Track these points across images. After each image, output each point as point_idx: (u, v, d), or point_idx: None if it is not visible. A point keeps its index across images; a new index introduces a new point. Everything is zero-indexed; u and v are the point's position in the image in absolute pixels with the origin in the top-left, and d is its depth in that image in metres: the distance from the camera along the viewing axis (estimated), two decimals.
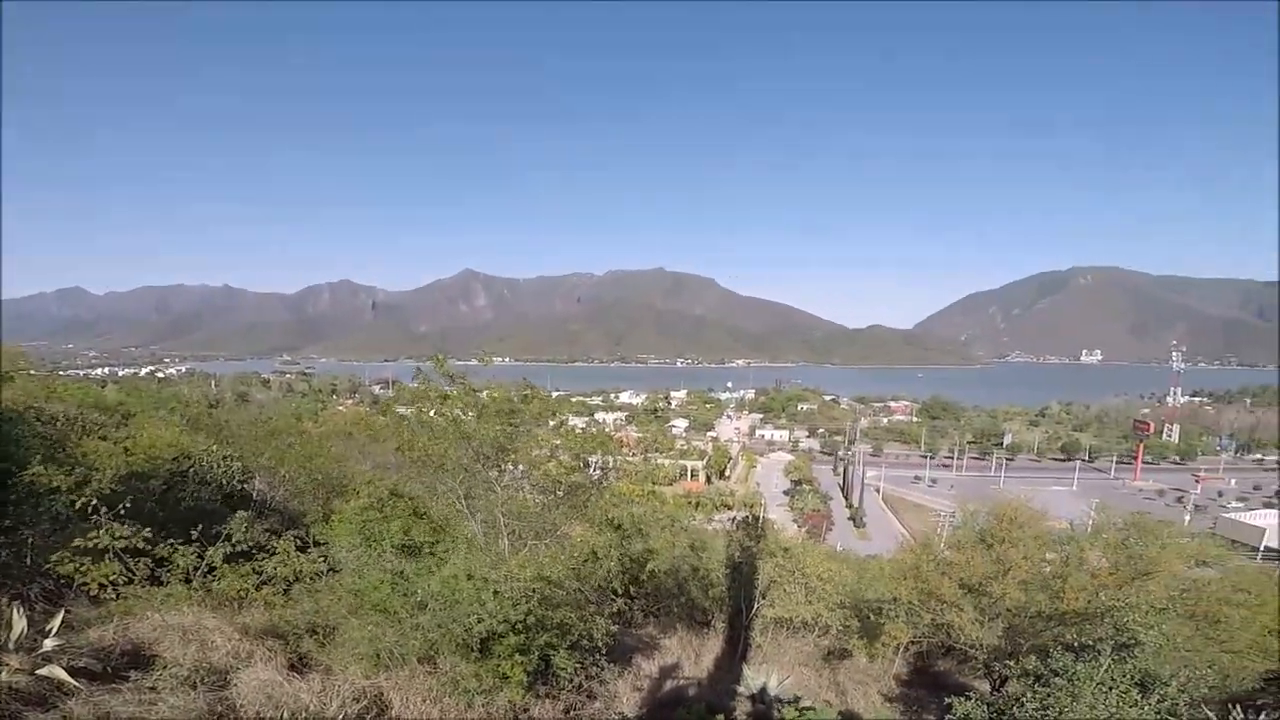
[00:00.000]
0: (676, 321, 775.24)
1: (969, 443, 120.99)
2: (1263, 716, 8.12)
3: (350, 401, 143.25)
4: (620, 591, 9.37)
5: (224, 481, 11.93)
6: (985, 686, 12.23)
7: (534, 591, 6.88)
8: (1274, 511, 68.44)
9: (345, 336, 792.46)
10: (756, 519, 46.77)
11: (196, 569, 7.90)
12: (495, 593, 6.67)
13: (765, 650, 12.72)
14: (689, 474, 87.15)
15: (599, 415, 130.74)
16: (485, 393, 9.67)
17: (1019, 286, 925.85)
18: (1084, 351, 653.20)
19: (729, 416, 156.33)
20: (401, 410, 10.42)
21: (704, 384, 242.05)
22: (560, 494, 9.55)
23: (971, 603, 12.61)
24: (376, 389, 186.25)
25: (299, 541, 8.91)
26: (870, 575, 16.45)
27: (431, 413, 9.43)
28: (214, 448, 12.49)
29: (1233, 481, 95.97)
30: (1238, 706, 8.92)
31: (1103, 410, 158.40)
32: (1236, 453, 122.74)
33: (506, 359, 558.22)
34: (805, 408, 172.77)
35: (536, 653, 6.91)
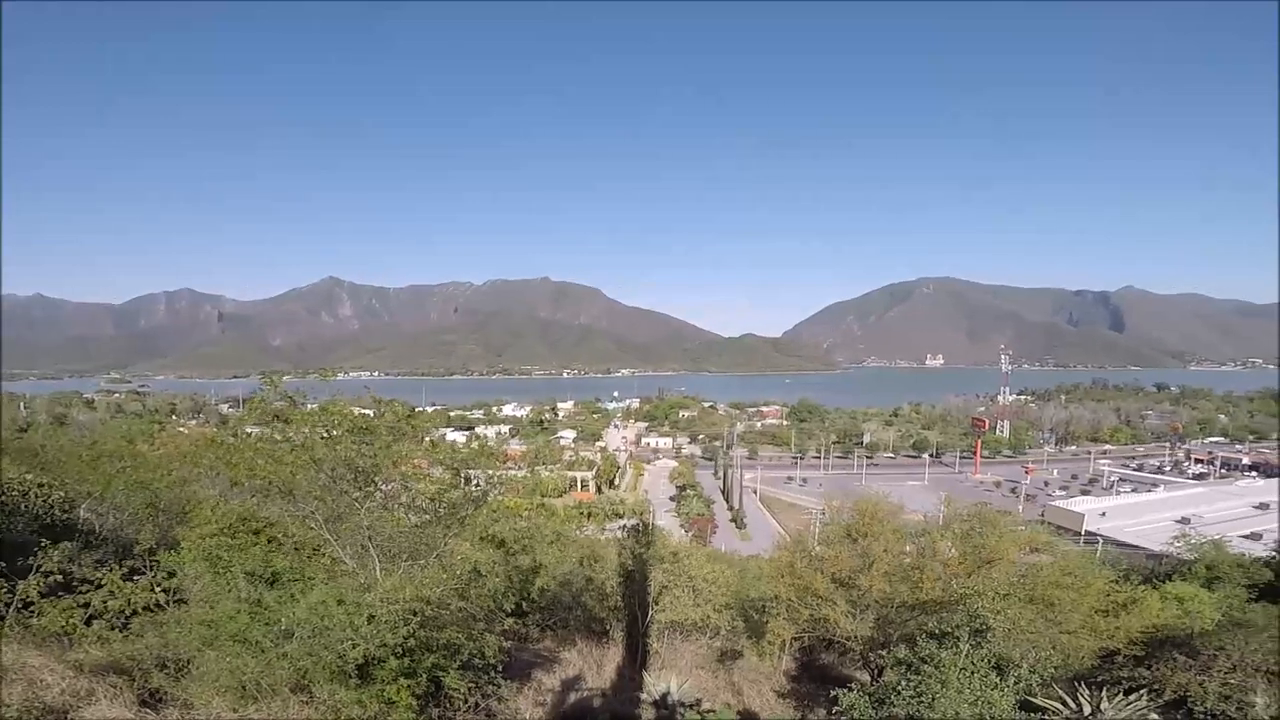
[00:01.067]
0: (562, 332, 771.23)
1: (834, 443, 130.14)
2: (1104, 693, 9.31)
3: (194, 422, 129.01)
4: (512, 608, 9.15)
5: (40, 512, 11.06)
6: (865, 677, 12.96)
7: (415, 613, 6.71)
8: (1092, 498, 79.66)
9: (187, 351, 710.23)
10: (646, 526, 47.36)
11: (9, 604, 7.40)
12: (370, 617, 6.44)
13: (663, 656, 12.82)
14: (579, 484, 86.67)
15: (480, 429, 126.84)
16: (334, 411, 8.96)
17: (873, 297, 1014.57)
18: (928, 355, 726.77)
19: (616, 426, 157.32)
20: (253, 429, 9.43)
21: (591, 394, 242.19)
22: (439, 512, 9.21)
23: (843, 596, 13.39)
24: (224, 408, 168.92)
25: (131, 571, 8.46)
26: (752, 575, 17.16)
27: (277, 436, 8.71)
28: (27, 476, 11.57)
29: (1055, 471, 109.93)
30: (1082, 684, 10.15)
31: (946, 410, 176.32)
32: (1056, 445, 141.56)
33: (375, 373, 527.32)
34: (687, 415, 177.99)
35: (424, 675, 6.72)
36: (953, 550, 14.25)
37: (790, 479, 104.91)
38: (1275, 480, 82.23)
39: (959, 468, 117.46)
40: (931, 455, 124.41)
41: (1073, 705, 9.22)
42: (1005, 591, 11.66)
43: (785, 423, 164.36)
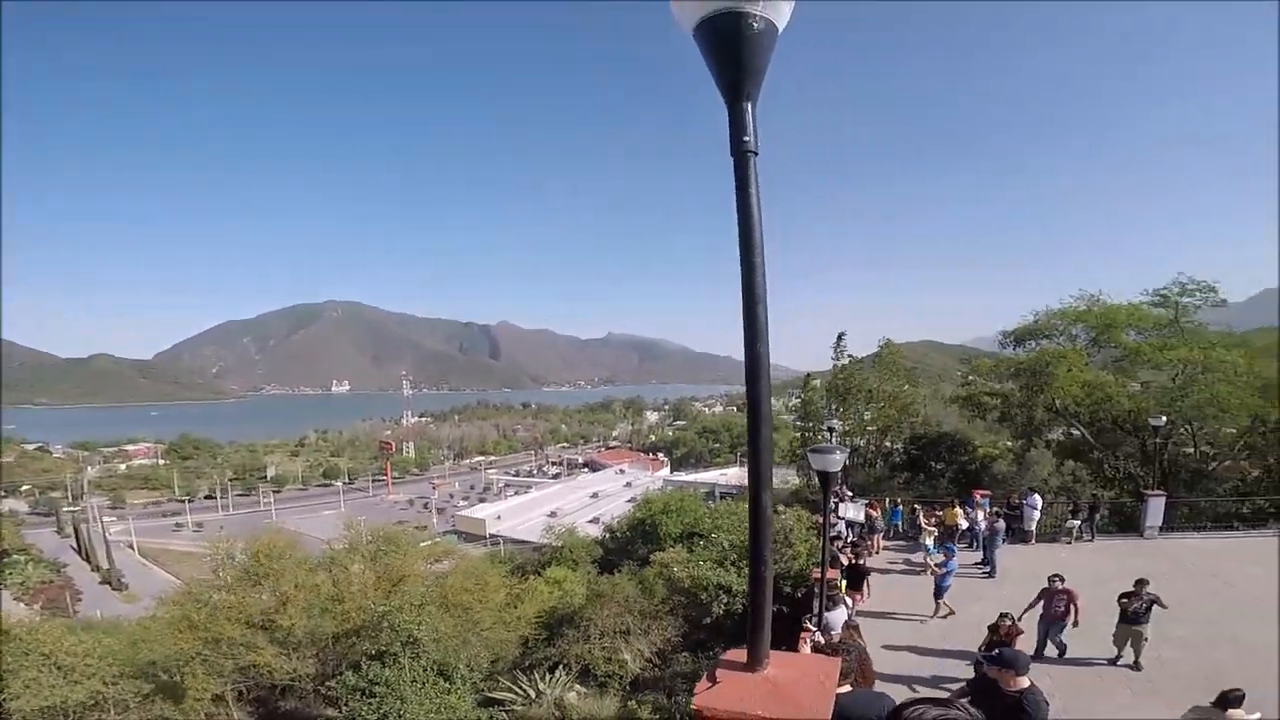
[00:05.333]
0: None
1: (231, 480, 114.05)
2: (537, 675, 10.76)
3: None
4: None
5: None
6: (333, 712, 12.31)
7: None
8: (488, 504, 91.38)
9: None
10: None
11: None
12: None
13: None
14: None
15: None
16: None
17: (275, 317, 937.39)
18: (334, 381, 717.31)
19: None
20: None
21: None
22: None
23: (266, 638, 12.58)
24: None
25: None
26: (152, 636, 14.10)
27: None
28: None
29: (457, 484, 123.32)
30: (520, 671, 11.50)
31: (354, 435, 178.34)
32: (455, 460, 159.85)
33: None
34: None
35: None
36: (368, 572, 14.95)
37: (180, 525, 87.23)
38: (600, 472, 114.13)
39: (373, 491, 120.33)
40: (345, 482, 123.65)
41: (521, 691, 10.98)
42: (419, 603, 12.48)
43: (163, 461, 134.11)
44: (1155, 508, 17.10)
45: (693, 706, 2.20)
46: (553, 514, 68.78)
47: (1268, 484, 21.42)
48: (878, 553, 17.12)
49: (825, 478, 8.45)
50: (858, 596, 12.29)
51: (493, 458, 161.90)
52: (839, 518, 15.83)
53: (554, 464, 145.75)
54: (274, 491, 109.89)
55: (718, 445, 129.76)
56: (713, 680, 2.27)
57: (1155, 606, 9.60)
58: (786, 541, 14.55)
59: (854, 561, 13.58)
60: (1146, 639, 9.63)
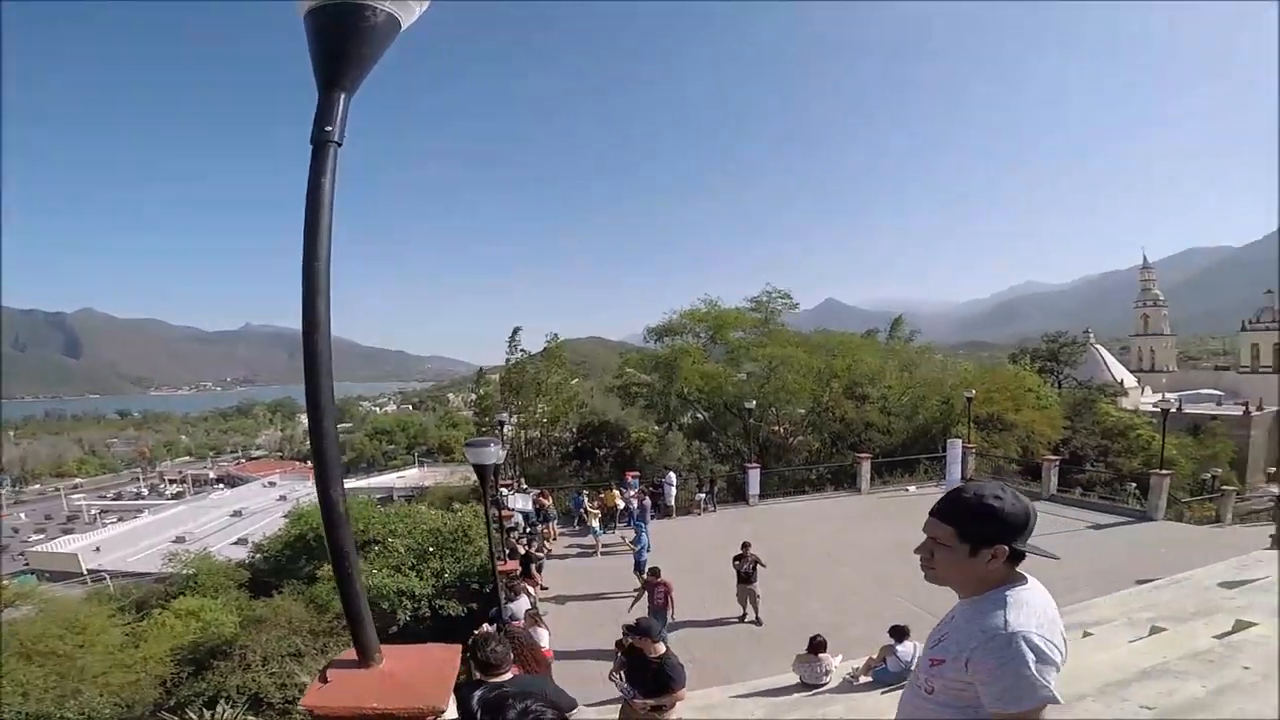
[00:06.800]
0: None
1: None
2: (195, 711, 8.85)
3: None
4: None
5: None
6: None
7: None
8: (78, 536, 69.54)
9: None
10: None
11: None
12: None
13: None
14: None
15: None
16: None
17: None
18: None
19: None
20: None
21: None
22: None
23: None
24: None
25: None
26: None
27: None
28: None
29: (24, 515, 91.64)
30: (168, 712, 9.28)
31: None
32: (15, 486, 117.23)
33: None
34: None
35: None
36: None
37: None
38: (242, 487, 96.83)
39: None
40: None
41: None
42: None
43: None
44: (754, 478, 21.23)
45: (301, 706, 2.19)
46: (179, 539, 59.67)
47: (825, 454, 27.96)
48: (554, 540, 17.73)
49: (482, 470, 8.52)
50: (533, 584, 12.74)
51: (77, 480, 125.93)
52: (510, 509, 16.25)
53: (174, 482, 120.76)
54: None
55: (393, 446, 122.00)
56: (324, 680, 2.27)
57: (758, 566, 10.97)
58: (466, 538, 14.62)
59: (527, 550, 14.13)
60: (759, 595, 10.97)
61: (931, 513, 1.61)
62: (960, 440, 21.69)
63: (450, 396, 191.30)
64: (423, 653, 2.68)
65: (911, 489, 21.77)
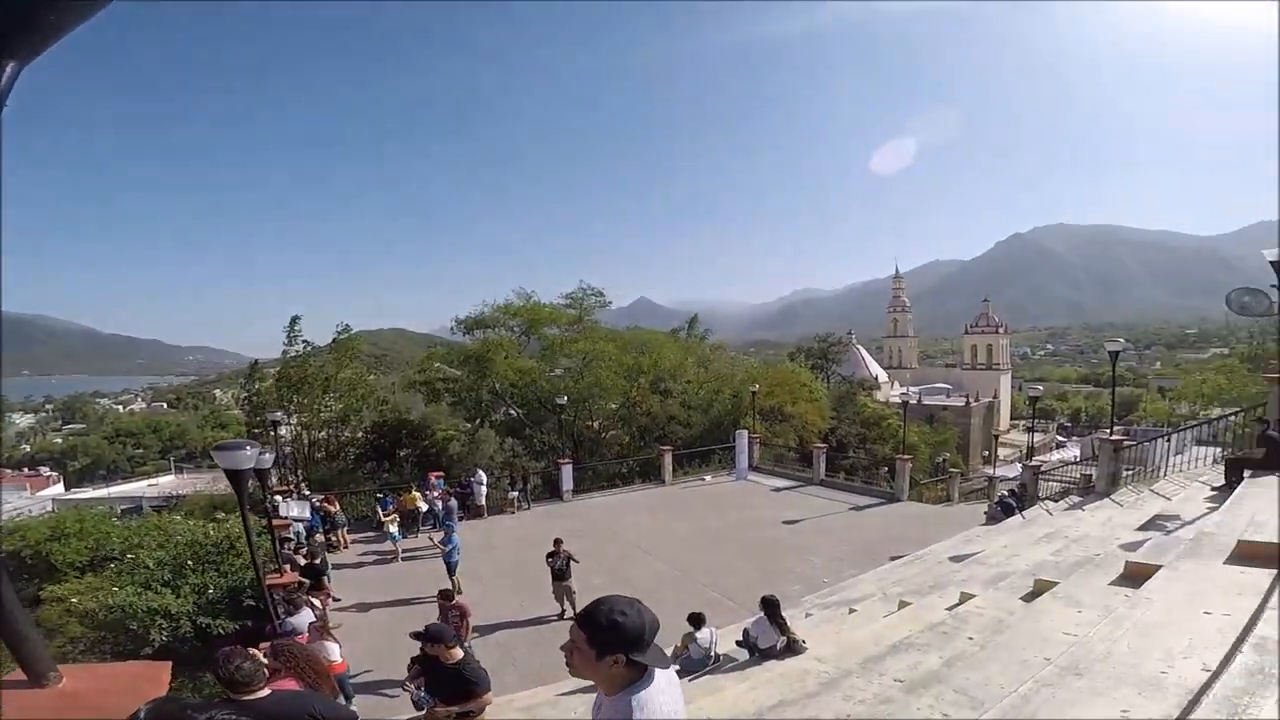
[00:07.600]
0: None
1: None
2: None
3: None
4: None
5: None
6: None
7: None
8: None
9: None
10: None
11: None
12: None
13: None
14: None
15: None
16: None
17: None
18: None
19: None
20: None
21: None
22: None
23: None
24: None
25: None
26: None
27: None
28: None
29: None
30: None
31: None
32: None
33: None
34: None
35: None
36: None
37: None
38: None
39: None
40: None
41: None
42: None
43: None
44: (567, 473, 21.34)
45: None
46: None
47: (634, 448, 28.58)
48: (346, 548, 16.58)
49: (236, 476, 7.42)
50: (323, 595, 11.48)
51: None
52: (284, 516, 14.53)
53: None
54: None
55: (141, 450, 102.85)
56: None
57: (571, 562, 11.20)
58: (234, 550, 13.12)
59: (310, 561, 12.86)
60: (575, 591, 10.96)
61: (574, 618, 1.85)
62: (746, 431, 23.83)
63: (217, 393, 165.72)
64: (115, 670, 2.68)
65: (708, 478, 23.50)
